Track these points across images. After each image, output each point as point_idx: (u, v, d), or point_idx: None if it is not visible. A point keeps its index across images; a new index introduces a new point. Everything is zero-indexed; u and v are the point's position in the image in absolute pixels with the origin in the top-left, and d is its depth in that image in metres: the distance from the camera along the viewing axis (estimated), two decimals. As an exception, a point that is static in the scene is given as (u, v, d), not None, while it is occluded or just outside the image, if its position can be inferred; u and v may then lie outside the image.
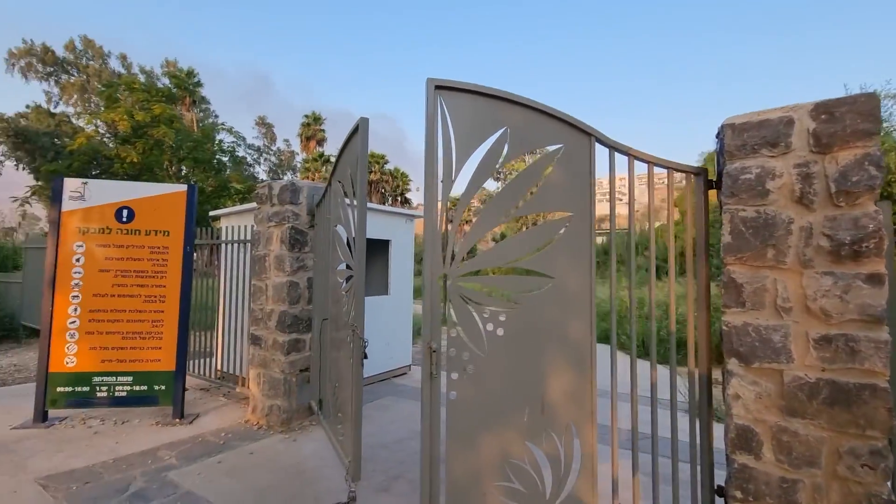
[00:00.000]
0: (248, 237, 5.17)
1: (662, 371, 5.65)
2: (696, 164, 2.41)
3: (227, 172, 21.17)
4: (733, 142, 2.00)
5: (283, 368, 4.26)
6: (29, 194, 19.80)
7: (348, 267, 3.46)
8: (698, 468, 2.26)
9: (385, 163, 36.88)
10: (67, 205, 4.53)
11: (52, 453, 3.70)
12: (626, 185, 2.44)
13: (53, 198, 4.56)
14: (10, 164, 21.55)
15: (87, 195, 4.57)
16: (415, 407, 4.97)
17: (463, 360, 2.21)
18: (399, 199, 32.60)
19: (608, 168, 2.37)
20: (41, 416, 4.34)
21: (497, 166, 2.25)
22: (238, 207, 5.86)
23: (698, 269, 2.31)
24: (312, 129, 33.82)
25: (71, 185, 4.59)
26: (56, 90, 25.32)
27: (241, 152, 24.34)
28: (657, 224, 22.72)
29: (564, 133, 2.33)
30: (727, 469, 2.03)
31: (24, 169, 21.33)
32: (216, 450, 3.80)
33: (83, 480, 3.24)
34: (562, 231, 2.28)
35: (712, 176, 2.31)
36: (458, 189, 2.35)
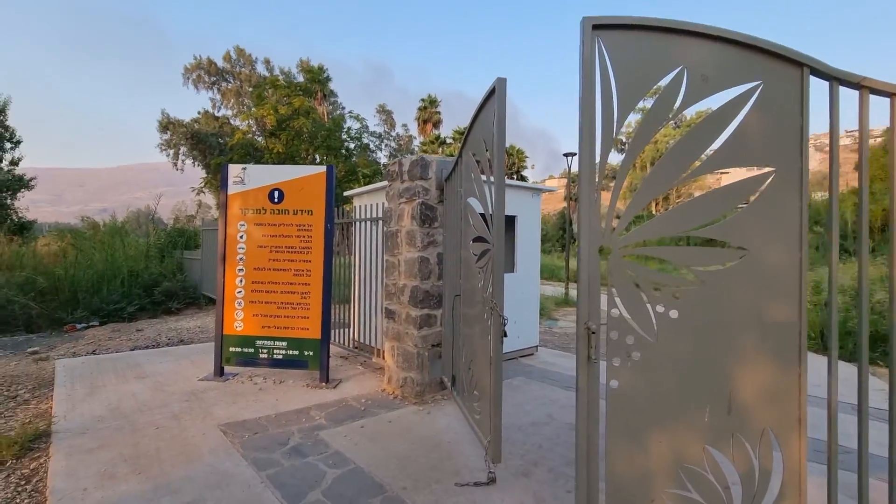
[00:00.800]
0: (379, 215, 5.36)
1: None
2: None
3: (355, 158, 22.80)
4: None
5: (416, 343, 4.35)
6: (203, 185, 23.70)
7: (481, 240, 3.32)
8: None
9: (500, 140, 36.23)
10: (231, 189, 5.13)
11: (228, 404, 4.27)
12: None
13: (222, 183, 5.20)
14: (188, 161, 26.05)
15: (247, 179, 5.11)
16: (545, 389, 4.74)
17: (626, 345, 1.91)
18: (515, 176, 31.90)
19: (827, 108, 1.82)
20: (219, 371, 5.07)
21: (672, 113, 1.86)
22: (369, 187, 6.10)
23: (975, 237, 1.67)
24: (428, 111, 34.61)
25: (233, 171, 5.18)
26: (218, 97, 29.60)
27: (365, 139, 26.01)
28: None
29: (763, 66, 1.84)
30: None
31: (197, 165, 25.62)
32: (358, 415, 4.04)
33: (253, 431, 3.67)
34: (761, 190, 1.82)
35: None
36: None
